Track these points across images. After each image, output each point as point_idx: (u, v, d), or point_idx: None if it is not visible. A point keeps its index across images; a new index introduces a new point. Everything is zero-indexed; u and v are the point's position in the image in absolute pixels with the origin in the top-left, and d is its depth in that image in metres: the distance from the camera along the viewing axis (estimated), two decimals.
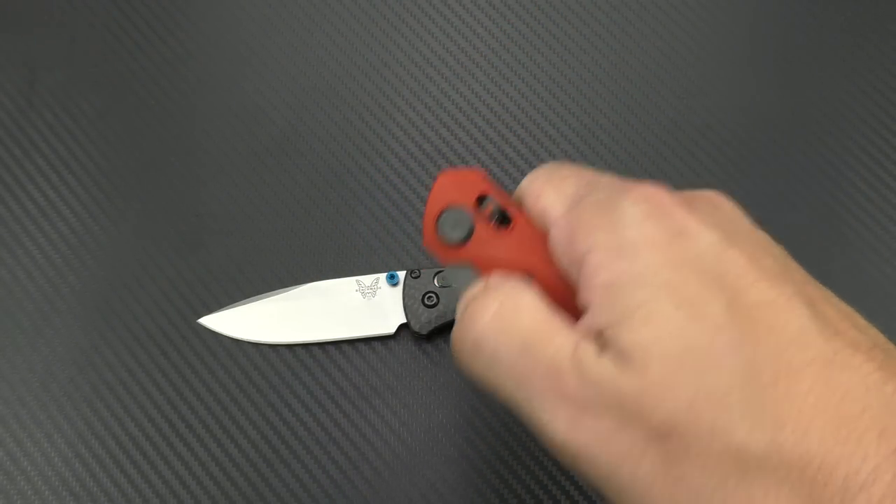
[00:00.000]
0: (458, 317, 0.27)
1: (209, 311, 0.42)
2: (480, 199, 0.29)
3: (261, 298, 0.42)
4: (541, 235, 0.28)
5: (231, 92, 0.47)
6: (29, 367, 0.41)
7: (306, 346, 0.41)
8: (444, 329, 0.41)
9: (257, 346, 0.41)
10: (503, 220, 0.29)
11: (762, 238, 0.25)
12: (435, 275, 0.41)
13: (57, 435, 0.40)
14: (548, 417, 0.24)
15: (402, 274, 0.41)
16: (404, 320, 0.41)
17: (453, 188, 0.29)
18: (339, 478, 0.39)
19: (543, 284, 0.27)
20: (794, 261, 0.25)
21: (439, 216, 0.29)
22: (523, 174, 0.45)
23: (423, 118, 0.46)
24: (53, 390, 0.40)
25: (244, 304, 0.42)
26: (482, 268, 0.29)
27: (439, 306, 0.41)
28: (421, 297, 0.41)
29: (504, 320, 0.26)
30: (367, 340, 0.41)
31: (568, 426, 0.24)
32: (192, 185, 0.44)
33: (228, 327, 0.41)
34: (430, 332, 0.41)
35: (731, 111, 0.46)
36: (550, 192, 0.27)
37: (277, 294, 0.42)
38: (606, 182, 0.27)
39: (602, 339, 0.24)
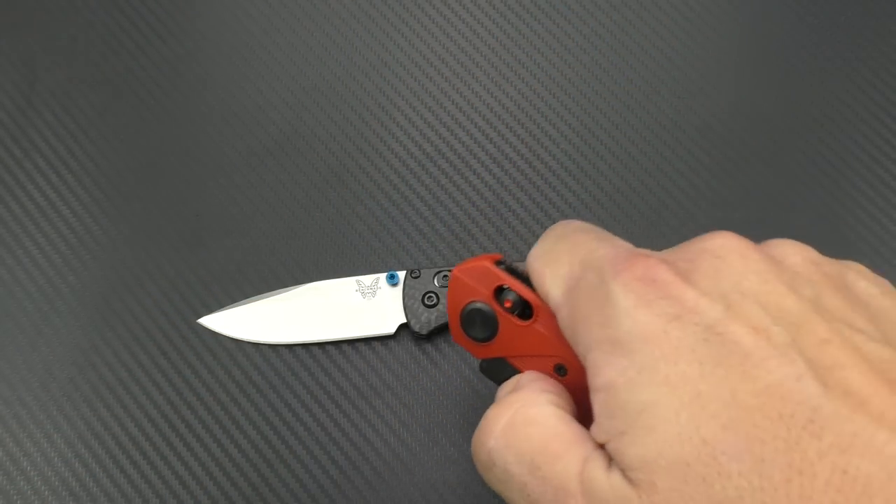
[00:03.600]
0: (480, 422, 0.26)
1: (209, 311, 0.42)
2: (498, 291, 0.28)
3: (261, 298, 0.42)
4: None
5: (231, 92, 0.47)
6: (29, 367, 0.41)
7: (306, 346, 0.41)
8: (444, 329, 0.41)
9: (257, 346, 0.41)
10: (525, 310, 0.27)
11: (775, 291, 0.22)
12: (435, 275, 0.41)
13: (56, 435, 0.40)
14: None
15: (402, 274, 0.41)
16: (404, 320, 0.41)
17: (471, 281, 0.28)
18: (339, 478, 0.39)
19: (578, 375, 0.26)
20: (826, 296, 0.23)
21: (462, 312, 0.28)
22: (524, 175, 0.45)
23: (423, 118, 0.46)
24: (53, 390, 0.40)
25: (244, 304, 0.42)
26: (515, 361, 0.28)
27: (439, 306, 0.41)
28: (421, 297, 0.41)
29: (513, 435, 0.24)
30: (367, 340, 0.41)
31: None
32: (192, 185, 0.44)
33: (228, 327, 0.41)
34: (430, 332, 0.41)
35: (731, 111, 0.46)
36: (548, 274, 0.26)
37: (277, 294, 0.42)
38: (599, 257, 0.24)
39: (608, 452, 0.22)
